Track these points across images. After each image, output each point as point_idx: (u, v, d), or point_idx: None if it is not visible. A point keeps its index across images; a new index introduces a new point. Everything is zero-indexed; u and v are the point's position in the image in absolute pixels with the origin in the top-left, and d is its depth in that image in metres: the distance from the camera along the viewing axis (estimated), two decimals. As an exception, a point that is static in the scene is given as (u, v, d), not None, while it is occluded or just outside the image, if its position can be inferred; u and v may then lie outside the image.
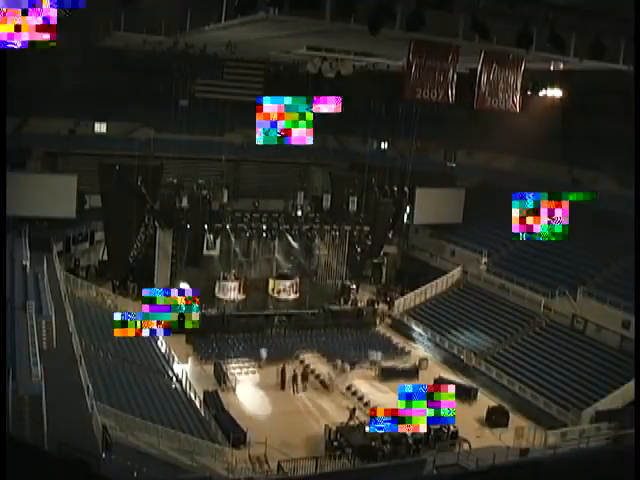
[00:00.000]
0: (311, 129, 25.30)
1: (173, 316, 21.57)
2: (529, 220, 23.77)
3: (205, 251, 41.53)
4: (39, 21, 12.61)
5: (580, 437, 27.07)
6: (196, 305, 22.00)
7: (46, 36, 12.75)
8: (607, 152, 38.28)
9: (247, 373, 32.81)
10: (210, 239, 41.56)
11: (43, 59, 28.88)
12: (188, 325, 21.92)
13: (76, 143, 45.03)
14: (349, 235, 44.06)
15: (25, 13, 12.45)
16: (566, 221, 23.51)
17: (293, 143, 25.36)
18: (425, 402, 21.08)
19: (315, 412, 29.43)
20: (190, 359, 33.95)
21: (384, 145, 51.65)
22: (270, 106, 25.08)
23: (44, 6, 12.51)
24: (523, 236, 24.30)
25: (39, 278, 31.95)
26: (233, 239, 42.17)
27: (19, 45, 12.73)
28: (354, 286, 43.16)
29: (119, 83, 40.43)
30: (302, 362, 34.07)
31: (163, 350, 33.90)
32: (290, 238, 42.96)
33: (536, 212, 23.71)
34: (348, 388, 31.74)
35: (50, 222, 38.15)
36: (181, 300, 21.71)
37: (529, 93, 31.80)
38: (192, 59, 34.62)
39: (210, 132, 46.49)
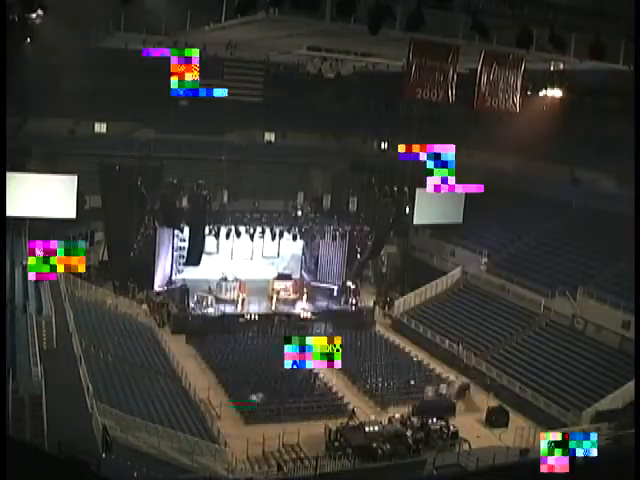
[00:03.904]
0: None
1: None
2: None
3: (205, 251, 41.53)
4: None
5: (580, 437, 27.07)
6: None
7: None
8: (607, 152, 38.29)
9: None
10: (210, 239, 41.59)
11: (43, 59, 28.86)
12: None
13: (76, 143, 45.02)
14: (349, 235, 44.08)
15: None
16: None
17: None
18: None
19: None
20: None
21: (384, 145, 51.65)
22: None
23: None
24: None
25: (39, 278, 31.93)
26: (233, 239, 42.18)
27: None
28: (354, 286, 43.14)
29: (119, 83, 40.41)
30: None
31: (163, 350, 33.91)
32: (290, 238, 43.00)
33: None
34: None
35: (50, 222, 38.12)
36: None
37: (529, 93, 31.81)
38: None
39: (210, 132, 46.51)
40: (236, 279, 41.59)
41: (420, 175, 40.53)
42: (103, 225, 41.56)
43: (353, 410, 28.24)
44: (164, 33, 27.85)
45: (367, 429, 26.18)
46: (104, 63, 34.68)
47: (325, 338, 20.81)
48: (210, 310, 38.54)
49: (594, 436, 15.66)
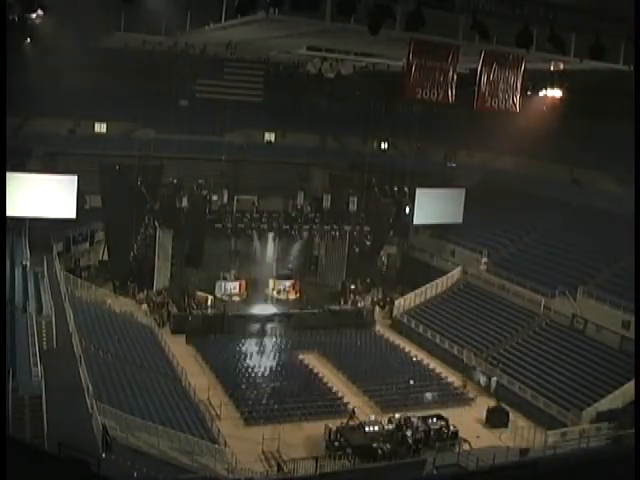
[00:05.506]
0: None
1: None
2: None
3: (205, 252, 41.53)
4: None
5: (580, 437, 27.08)
6: None
7: None
8: (607, 152, 38.30)
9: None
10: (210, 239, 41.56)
11: (43, 59, 28.85)
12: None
13: (76, 143, 45.07)
14: (349, 235, 44.08)
15: None
16: None
17: None
18: None
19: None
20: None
21: (384, 145, 51.67)
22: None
23: None
24: None
25: (39, 278, 31.98)
26: (233, 239, 42.20)
27: None
28: (354, 286, 43.15)
29: (119, 83, 40.44)
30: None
31: (163, 350, 33.90)
32: (290, 238, 42.99)
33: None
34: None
35: (50, 222, 38.15)
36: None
37: (529, 93, 31.81)
38: (192, 59, 34.64)
39: (210, 132, 46.53)
40: (236, 279, 41.60)
41: (420, 175, 41.01)
42: (103, 225, 41.57)
43: (353, 410, 28.24)
44: (164, 33, 27.88)
45: (367, 429, 26.17)
46: (104, 63, 34.68)
47: None
48: (210, 310, 38.54)
49: None
